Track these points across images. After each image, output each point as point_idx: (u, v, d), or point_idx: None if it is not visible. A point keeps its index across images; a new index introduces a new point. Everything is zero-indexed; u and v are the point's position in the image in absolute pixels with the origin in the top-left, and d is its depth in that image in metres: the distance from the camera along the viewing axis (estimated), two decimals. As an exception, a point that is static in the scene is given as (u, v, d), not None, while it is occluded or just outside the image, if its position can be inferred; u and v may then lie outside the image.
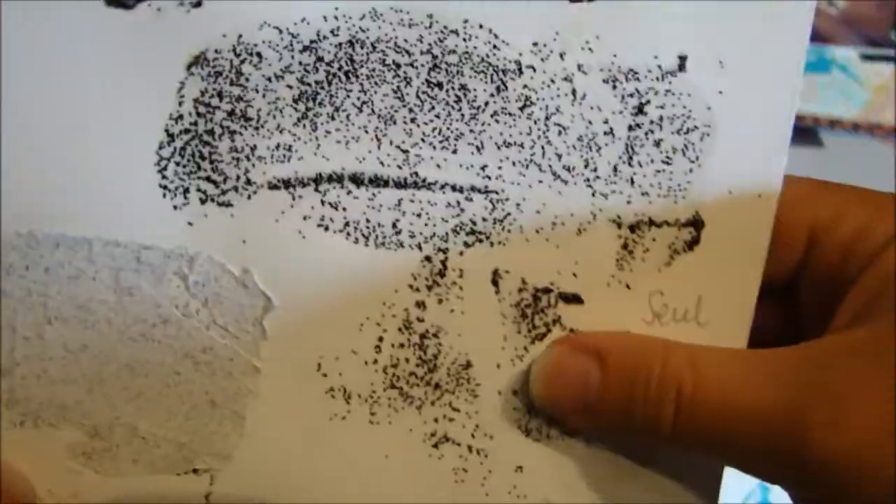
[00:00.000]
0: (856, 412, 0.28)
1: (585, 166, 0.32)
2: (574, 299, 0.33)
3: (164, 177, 0.31)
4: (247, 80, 0.31)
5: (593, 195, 0.32)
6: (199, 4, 0.30)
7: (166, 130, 0.31)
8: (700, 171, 0.32)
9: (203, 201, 0.31)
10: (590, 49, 0.31)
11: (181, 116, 0.31)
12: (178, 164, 0.31)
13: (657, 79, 0.31)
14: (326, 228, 0.32)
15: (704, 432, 0.30)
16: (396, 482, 0.34)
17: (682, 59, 0.31)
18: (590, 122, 0.32)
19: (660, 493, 0.34)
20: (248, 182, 0.31)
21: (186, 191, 0.31)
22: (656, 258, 0.33)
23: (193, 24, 0.30)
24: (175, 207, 0.31)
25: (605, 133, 0.32)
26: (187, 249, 0.32)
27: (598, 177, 0.32)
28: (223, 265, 0.32)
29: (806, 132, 0.88)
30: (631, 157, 0.32)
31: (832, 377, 0.28)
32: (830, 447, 0.28)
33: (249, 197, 0.31)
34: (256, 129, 0.31)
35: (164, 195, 0.31)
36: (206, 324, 0.32)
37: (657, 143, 0.32)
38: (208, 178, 0.31)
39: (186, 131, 0.31)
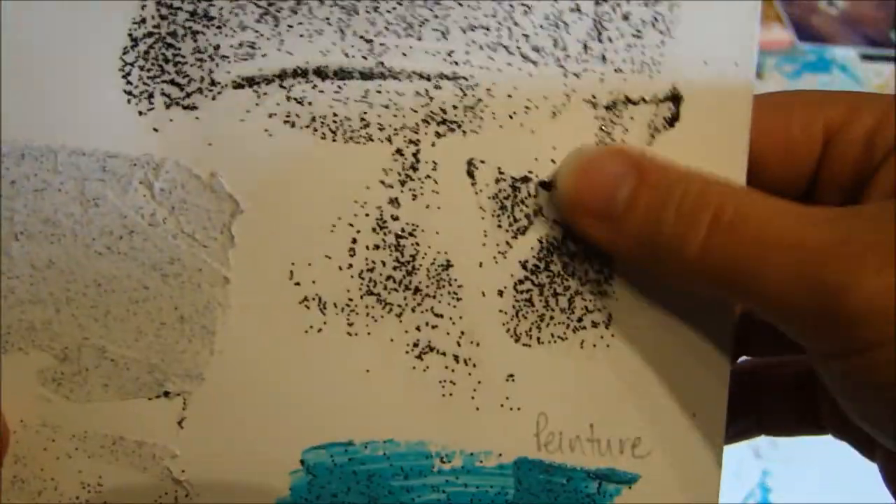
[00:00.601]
0: None
1: (554, 45, 0.31)
2: (554, 186, 0.31)
3: (128, 82, 0.31)
4: (208, -22, 0.31)
5: (565, 75, 0.31)
6: None
7: (129, 34, 0.31)
8: (672, 42, 0.31)
9: (168, 105, 0.31)
10: (549, -74, 0.31)
11: (144, 20, 0.31)
12: (142, 68, 0.31)
13: (620, -49, 0.31)
14: (293, 125, 0.31)
15: (735, 259, 0.28)
16: (380, 398, 0.32)
17: (644, -71, 0.31)
18: (555, 0, 0.31)
19: (661, 403, 0.31)
20: (213, 83, 0.31)
21: (151, 95, 0.31)
22: (636, 138, 0.31)
23: (153, -75, 0.31)
24: (140, 113, 0.31)
25: (571, 10, 0.31)
26: (153, 156, 0.31)
27: (568, 56, 0.31)
28: (189, 170, 0.31)
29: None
30: (600, 33, 0.31)
31: (883, 229, 0.26)
32: (880, 291, 0.25)
33: (214, 98, 0.31)
34: (219, 27, 0.31)
35: (129, 101, 0.31)
36: (172, 233, 0.31)
37: (625, 17, 0.31)
38: (172, 81, 0.31)
39: (150, 34, 0.31)
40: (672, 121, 0.31)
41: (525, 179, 0.31)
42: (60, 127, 0.31)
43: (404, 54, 0.31)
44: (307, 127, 0.31)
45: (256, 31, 0.31)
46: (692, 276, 0.29)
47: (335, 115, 0.31)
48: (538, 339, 0.32)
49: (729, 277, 0.28)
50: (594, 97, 0.31)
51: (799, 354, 0.37)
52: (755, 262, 0.27)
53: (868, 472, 0.35)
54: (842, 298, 0.26)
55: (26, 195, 0.31)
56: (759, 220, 0.28)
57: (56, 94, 0.31)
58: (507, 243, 0.31)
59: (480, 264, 0.31)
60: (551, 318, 0.32)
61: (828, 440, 0.37)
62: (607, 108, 0.31)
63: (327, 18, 0.31)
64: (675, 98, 0.31)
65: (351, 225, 0.31)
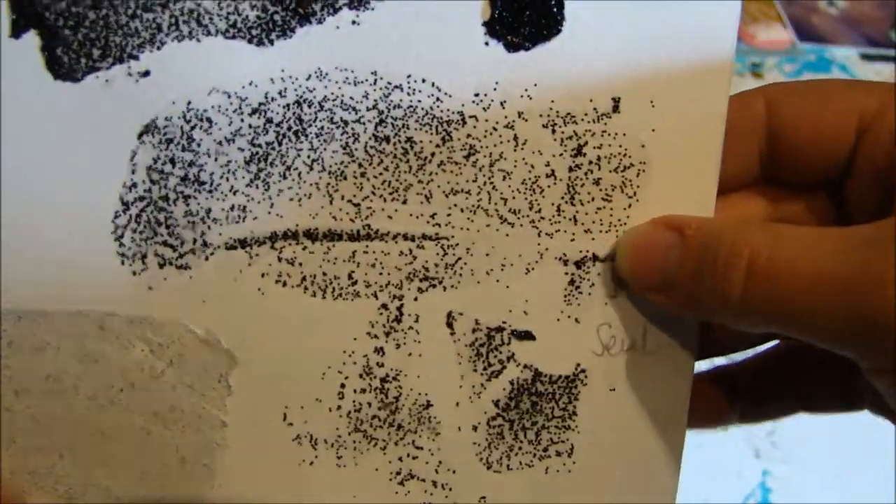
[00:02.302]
0: None
1: (530, 208, 0.33)
2: (526, 336, 0.34)
3: (121, 244, 0.32)
4: (198, 145, 0.31)
5: (539, 235, 0.33)
6: (147, 74, 0.31)
7: (121, 199, 0.31)
8: (638, 205, 0.33)
9: (161, 265, 0.32)
10: (529, 96, 0.32)
11: (135, 184, 0.31)
12: (134, 231, 0.32)
13: (593, 121, 0.33)
14: (284, 284, 0.33)
15: (775, 299, 0.29)
16: (366, 520, 0.35)
17: (616, 100, 0.33)
18: (532, 166, 0.33)
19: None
20: (205, 244, 0.32)
21: (144, 256, 0.32)
22: (602, 292, 0.34)
23: (142, 93, 0.31)
24: (134, 273, 0.32)
25: (547, 175, 0.33)
26: (149, 313, 0.32)
27: (542, 217, 0.33)
28: (186, 326, 0.33)
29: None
30: (573, 197, 0.33)
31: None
32: None
33: (207, 258, 0.32)
34: (210, 192, 0.32)
35: (123, 262, 0.32)
36: (172, 384, 0.33)
37: (596, 182, 0.33)
38: (165, 243, 0.32)
39: (141, 199, 0.31)
40: (634, 276, 0.34)
41: (499, 329, 0.34)
42: (56, 289, 0.32)
43: (390, 217, 0.33)
44: (298, 286, 0.33)
45: (247, 195, 0.32)
46: (738, 319, 0.31)
47: (324, 274, 0.33)
48: (508, 466, 0.35)
49: (772, 317, 0.30)
50: (565, 255, 0.34)
51: None
52: (793, 300, 0.29)
53: (868, 472, 0.35)
54: (874, 321, 0.28)
55: (24, 355, 0.32)
56: (790, 260, 0.29)
57: (50, 257, 0.31)
58: (482, 385, 0.34)
59: (457, 404, 0.34)
60: (520, 448, 0.35)
61: (827, 440, 0.38)
62: (577, 264, 0.34)
63: (316, 183, 0.32)
64: (637, 255, 0.34)
65: (340, 372, 0.34)
